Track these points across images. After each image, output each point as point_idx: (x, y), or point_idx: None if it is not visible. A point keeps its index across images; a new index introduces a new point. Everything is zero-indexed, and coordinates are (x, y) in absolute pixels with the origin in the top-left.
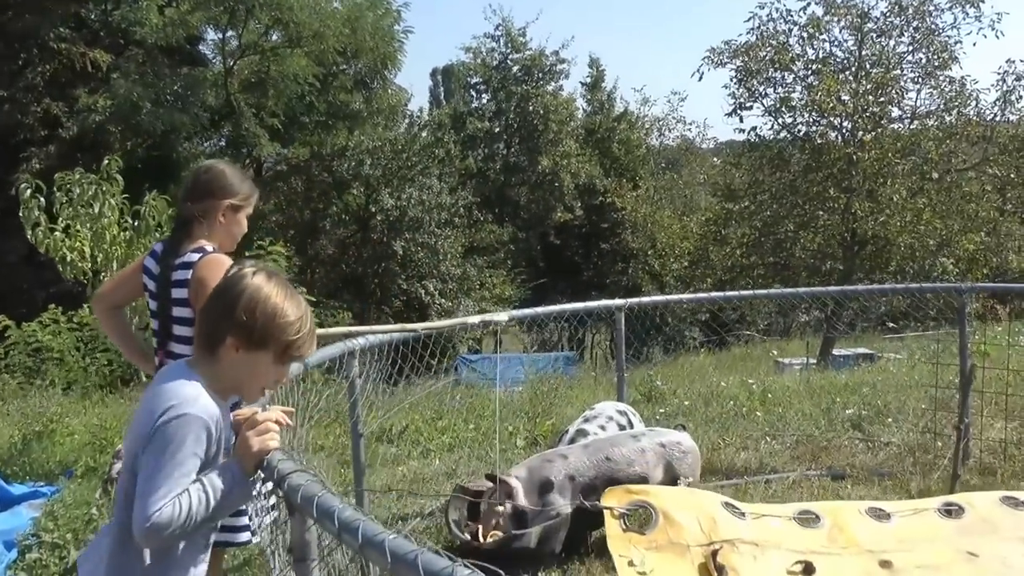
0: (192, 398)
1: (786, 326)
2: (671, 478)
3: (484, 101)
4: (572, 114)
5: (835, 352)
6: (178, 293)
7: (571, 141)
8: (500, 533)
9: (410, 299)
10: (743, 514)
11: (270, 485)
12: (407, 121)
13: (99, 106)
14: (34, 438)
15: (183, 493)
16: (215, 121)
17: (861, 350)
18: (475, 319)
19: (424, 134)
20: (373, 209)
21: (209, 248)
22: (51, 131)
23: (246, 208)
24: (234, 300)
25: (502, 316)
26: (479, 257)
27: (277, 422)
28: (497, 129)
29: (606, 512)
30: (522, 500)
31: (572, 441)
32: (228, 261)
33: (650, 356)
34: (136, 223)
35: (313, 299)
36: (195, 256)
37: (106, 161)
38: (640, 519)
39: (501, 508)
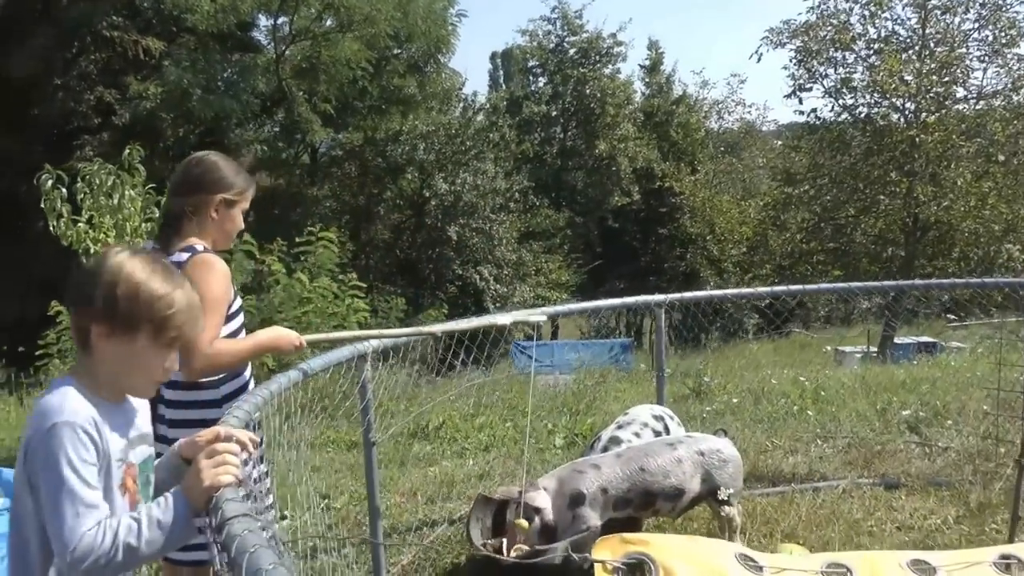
0: (56, 407)
1: (847, 313)
2: (709, 489)
3: (541, 84)
4: (629, 97)
5: (896, 340)
6: None
7: (629, 125)
8: (525, 547)
9: (465, 285)
10: (760, 568)
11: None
12: (461, 105)
13: (150, 93)
14: None
15: (111, 519)
16: (267, 107)
17: (923, 338)
18: (507, 318)
19: (479, 118)
20: (427, 194)
21: (200, 247)
22: (104, 119)
23: (241, 203)
24: (93, 284)
25: (538, 317)
26: (535, 242)
27: (241, 444)
28: (554, 113)
29: (597, 567)
30: (550, 515)
31: (604, 450)
32: (219, 261)
33: (708, 344)
34: (159, 214)
35: (366, 284)
36: (184, 256)
37: (127, 151)
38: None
39: (528, 523)
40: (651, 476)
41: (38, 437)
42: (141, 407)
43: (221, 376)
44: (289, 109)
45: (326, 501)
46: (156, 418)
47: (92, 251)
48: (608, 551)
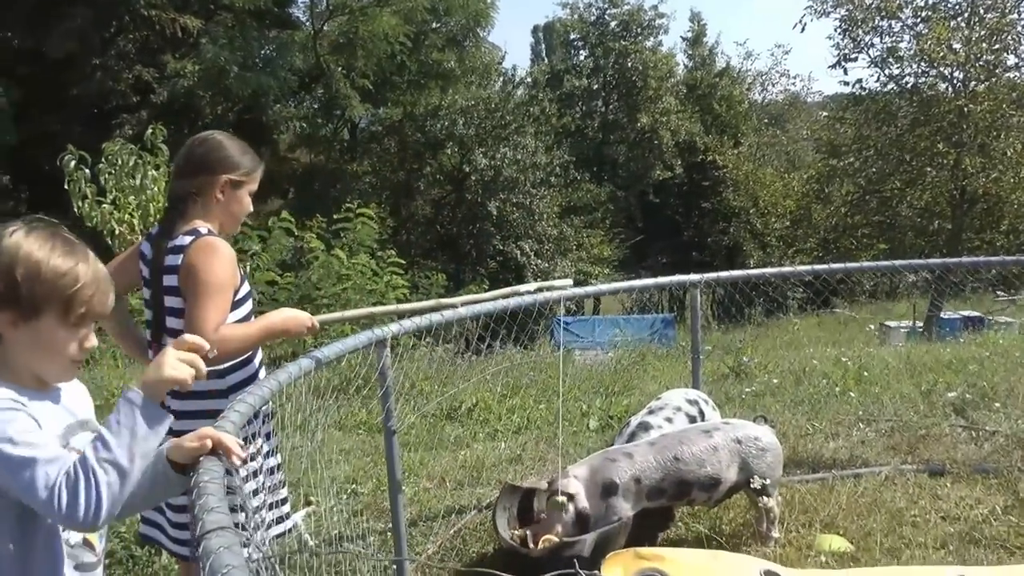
0: None
1: (892, 287)
2: (747, 478)
3: (582, 58)
4: (672, 70)
5: (942, 315)
6: (169, 280)
7: (671, 98)
8: (553, 538)
9: (506, 260)
10: None
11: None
12: (501, 79)
13: (187, 71)
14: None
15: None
16: (305, 84)
17: (969, 313)
18: (530, 287)
19: (519, 92)
20: (467, 169)
21: (203, 230)
22: (143, 97)
23: (249, 184)
24: None
25: (565, 282)
26: (576, 217)
27: (226, 451)
28: (595, 86)
29: None
30: (584, 502)
31: (633, 437)
32: (224, 244)
33: (751, 318)
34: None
35: (406, 260)
36: (187, 239)
37: (150, 130)
38: None
39: (565, 499)
40: (685, 466)
41: None
42: (75, 391)
43: (228, 364)
44: (327, 85)
45: (353, 486)
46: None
47: (117, 232)
48: (620, 567)
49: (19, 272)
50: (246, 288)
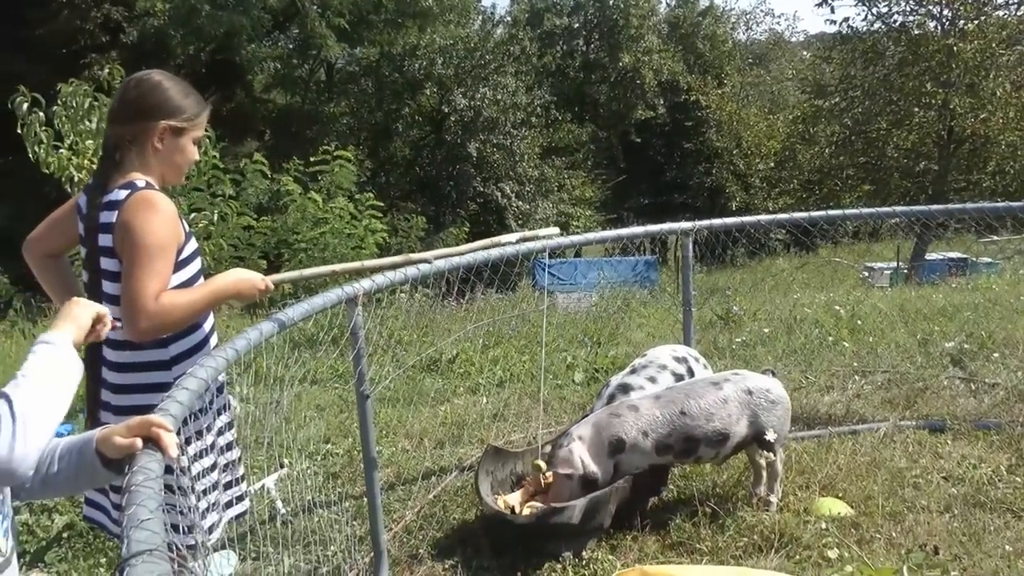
0: None
1: (875, 228)
2: (756, 433)
3: None
4: (654, 8)
5: (927, 257)
6: (104, 240)
7: (653, 37)
8: (538, 504)
9: (487, 202)
10: None
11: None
12: (480, 18)
13: (158, 10)
14: None
15: None
16: (279, 23)
17: (953, 254)
18: (512, 237)
19: (499, 31)
20: (446, 110)
21: (140, 183)
22: (112, 37)
23: (192, 131)
24: None
25: (550, 230)
26: (557, 158)
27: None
28: (576, 25)
29: None
30: (592, 466)
31: (612, 399)
32: (163, 199)
33: (733, 260)
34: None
35: (385, 204)
36: (122, 194)
37: (106, 70)
38: None
39: (545, 464)
40: (692, 420)
41: None
42: None
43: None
44: (302, 24)
45: (328, 446)
46: (99, 382)
47: (76, 179)
48: None
49: None
50: (192, 246)
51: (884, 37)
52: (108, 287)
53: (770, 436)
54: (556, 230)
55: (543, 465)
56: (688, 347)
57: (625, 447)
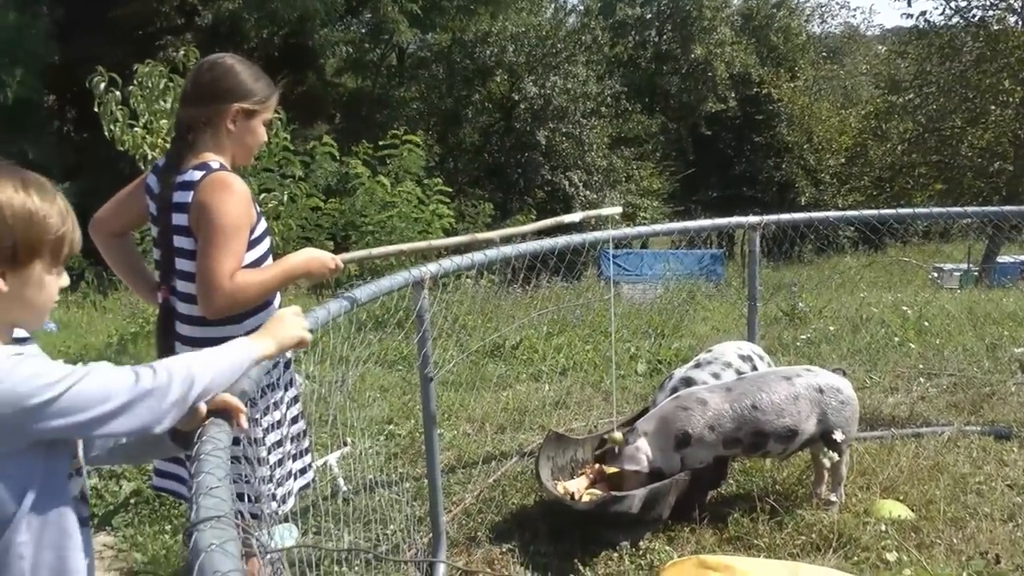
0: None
1: (946, 228)
2: (823, 431)
3: None
4: (727, 0)
5: (999, 260)
6: (179, 219)
7: (726, 28)
8: (598, 492)
9: (554, 190)
10: None
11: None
12: (552, 6)
13: None
14: (130, 339)
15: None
16: (352, 7)
17: None
18: (575, 217)
19: (571, 20)
20: (516, 97)
21: (215, 164)
22: (187, 20)
23: (263, 113)
24: None
25: (613, 210)
26: (626, 148)
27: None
28: (648, 15)
29: None
30: (656, 463)
31: (673, 391)
32: (237, 180)
33: (800, 256)
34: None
35: (453, 189)
36: (197, 174)
37: (181, 52)
38: None
39: (638, 471)
40: (763, 415)
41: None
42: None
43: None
44: (375, 9)
45: (390, 427)
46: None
47: (149, 157)
48: None
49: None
50: (263, 226)
51: (962, 32)
52: (183, 264)
53: (838, 436)
54: (619, 209)
55: (619, 436)
56: (753, 344)
57: (691, 441)
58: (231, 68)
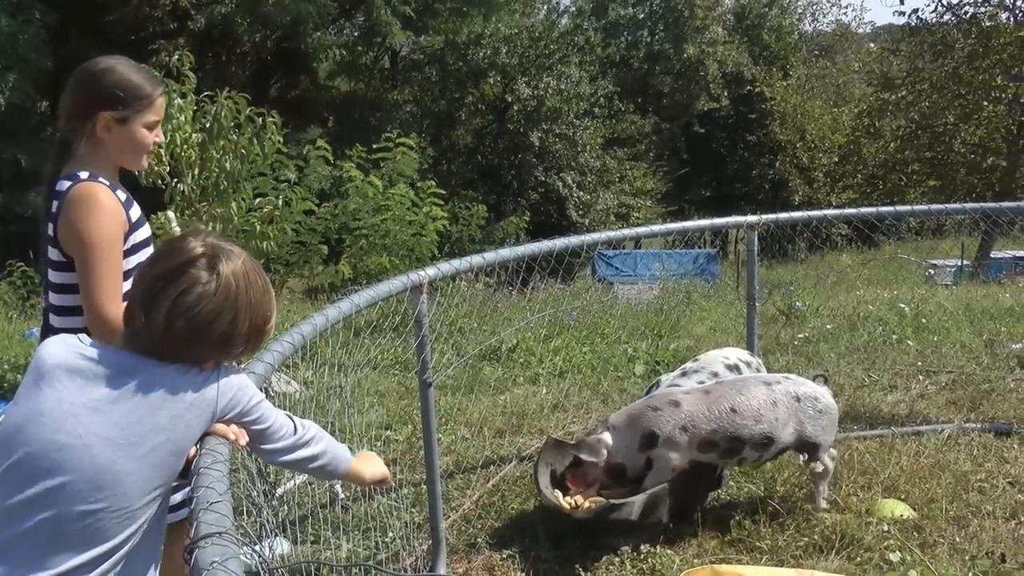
0: None
1: (939, 224)
2: (799, 440)
3: None
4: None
5: (992, 255)
6: (50, 229)
7: (718, 27)
8: (599, 499)
9: (548, 192)
10: None
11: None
12: (545, 8)
13: None
14: None
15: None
16: (345, 10)
17: (1021, 252)
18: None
19: (563, 21)
20: (509, 99)
21: (83, 175)
22: (180, 24)
23: (145, 115)
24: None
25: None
26: (619, 149)
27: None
28: (641, 15)
29: None
30: (616, 457)
31: None
32: (104, 193)
33: (795, 254)
34: (209, 124)
35: (446, 191)
36: (65, 184)
37: (176, 56)
38: None
39: (595, 463)
40: (740, 419)
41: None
42: None
43: None
44: (368, 12)
45: (387, 432)
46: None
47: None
48: None
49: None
50: (145, 232)
51: (954, 29)
52: (52, 275)
53: (800, 460)
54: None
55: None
56: (741, 351)
57: (658, 442)
58: (104, 71)
